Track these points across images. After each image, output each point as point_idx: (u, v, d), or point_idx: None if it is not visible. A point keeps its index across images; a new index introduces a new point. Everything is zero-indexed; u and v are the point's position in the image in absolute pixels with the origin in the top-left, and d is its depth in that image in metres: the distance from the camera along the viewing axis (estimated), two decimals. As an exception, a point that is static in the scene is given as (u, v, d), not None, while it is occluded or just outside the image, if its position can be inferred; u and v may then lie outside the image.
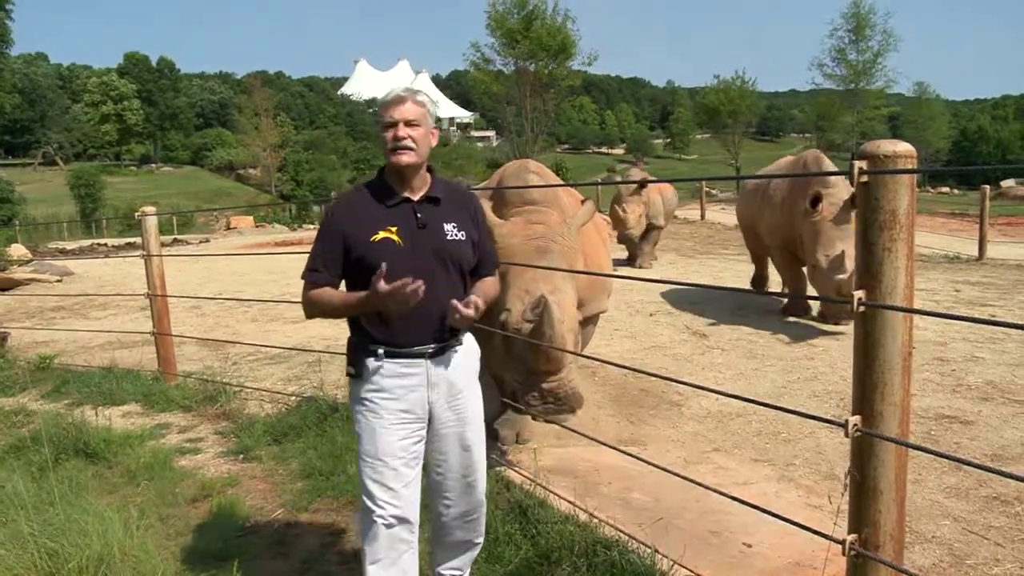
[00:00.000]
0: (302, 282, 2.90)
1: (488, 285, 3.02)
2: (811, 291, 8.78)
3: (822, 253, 8.01)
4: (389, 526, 2.76)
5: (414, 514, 2.83)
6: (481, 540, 3.19)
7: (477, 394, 3.00)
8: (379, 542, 2.76)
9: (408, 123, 2.74)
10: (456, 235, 2.85)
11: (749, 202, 10.37)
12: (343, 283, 2.89)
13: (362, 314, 2.77)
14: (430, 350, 2.80)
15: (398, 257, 2.71)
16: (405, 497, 2.79)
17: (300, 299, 2.92)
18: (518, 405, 4.32)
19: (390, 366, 2.78)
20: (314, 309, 2.86)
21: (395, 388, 2.78)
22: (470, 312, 2.70)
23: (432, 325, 2.79)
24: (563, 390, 4.22)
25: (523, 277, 4.41)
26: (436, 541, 3.15)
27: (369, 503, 2.79)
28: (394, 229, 2.77)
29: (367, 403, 2.79)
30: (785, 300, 9.60)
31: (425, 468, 2.96)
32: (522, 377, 4.25)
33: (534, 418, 5.26)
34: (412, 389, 2.79)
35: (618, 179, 15.13)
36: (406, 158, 2.75)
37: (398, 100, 2.76)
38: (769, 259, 10.44)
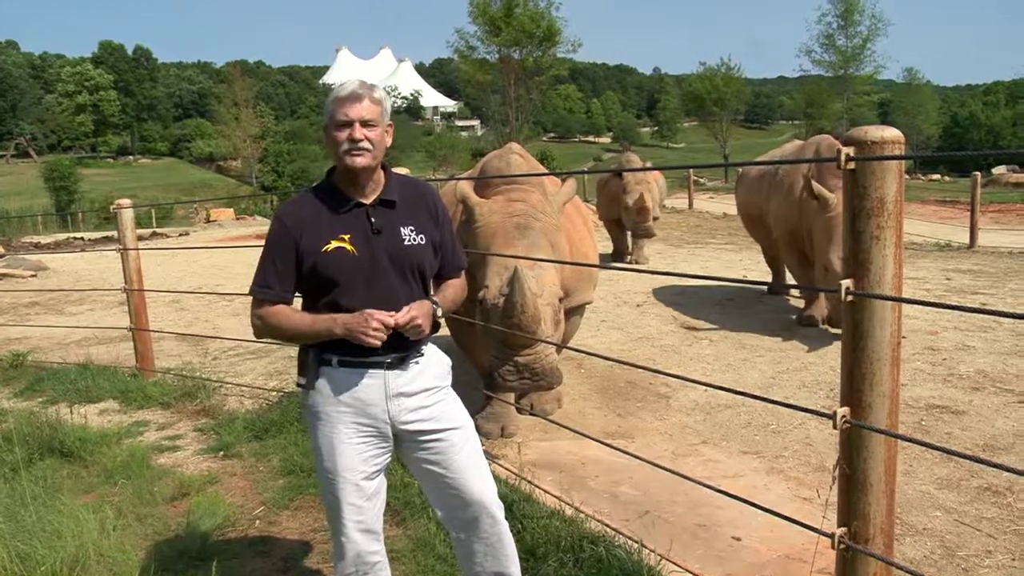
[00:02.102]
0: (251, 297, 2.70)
1: (451, 289, 2.87)
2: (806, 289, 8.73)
3: (835, 255, 6.98)
4: (355, 542, 2.69)
5: (378, 524, 2.76)
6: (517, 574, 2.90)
7: (452, 402, 2.81)
8: (347, 559, 2.71)
9: (364, 123, 2.56)
10: (414, 239, 2.67)
11: (754, 190, 9.48)
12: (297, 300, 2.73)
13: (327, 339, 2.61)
14: (388, 360, 2.63)
15: (352, 267, 2.59)
16: (367, 510, 2.70)
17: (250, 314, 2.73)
18: (497, 384, 4.32)
19: (344, 377, 2.63)
20: (268, 330, 2.68)
21: (351, 400, 2.63)
22: (401, 322, 2.55)
23: (391, 335, 2.57)
24: (539, 364, 4.24)
25: (505, 252, 4.50)
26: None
27: (332, 519, 2.73)
28: (346, 237, 2.60)
29: (322, 416, 2.65)
30: (802, 310, 8.67)
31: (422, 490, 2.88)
32: (498, 352, 4.27)
33: (519, 411, 5.28)
34: (369, 402, 2.63)
35: (612, 166, 14.20)
36: (361, 160, 2.56)
37: (354, 98, 2.56)
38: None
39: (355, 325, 2.51)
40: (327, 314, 2.59)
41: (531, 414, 5.50)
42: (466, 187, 4.85)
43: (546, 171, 5.74)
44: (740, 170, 11.87)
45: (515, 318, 4.15)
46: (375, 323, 2.50)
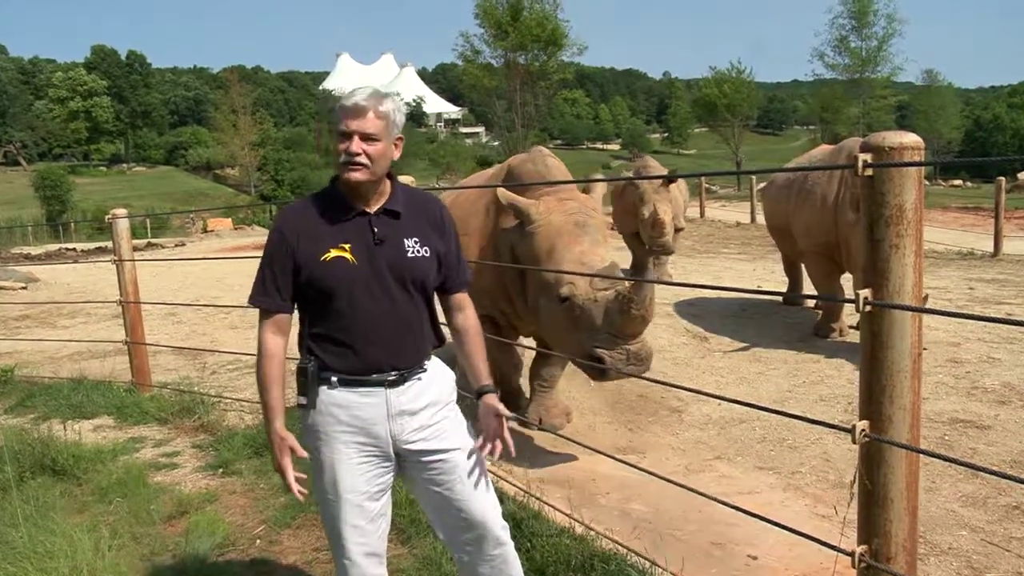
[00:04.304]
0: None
1: (477, 339, 2.87)
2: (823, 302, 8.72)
3: None
4: (358, 566, 2.70)
5: (382, 546, 2.77)
6: None
7: (456, 421, 2.80)
8: None
9: (365, 137, 2.55)
10: (418, 251, 2.67)
11: (780, 200, 9.23)
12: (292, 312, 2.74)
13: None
14: (390, 378, 2.64)
15: (351, 277, 2.59)
16: (371, 532, 2.71)
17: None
18: (610, 373, 4.64)
19: (344, 395, 2.64)
20: (257, 356, 2.69)
21: (351, 419, 2.64)
22: (504, 429, 2.75)
23: (391, 350, 2.65)
24: (645, 350, 4.68)
25: (573, 250, 4.84)
26: None
27: (334, 541, 2.74)
28: (347, 246, 2.60)
29: (322, 436, 2.66)
30: (819, 321, 8.66)
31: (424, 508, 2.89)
32: (608, 343, 4.58)
33: (527, 425, 5.32)
34: (371, 421, 2.64)
35: (628, 174, 13.11)
36: (356, 176, 2.56)
37: (357, 111, 2.55)
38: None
39: (276, 448, 2.65)
40: (278, 418, 2.65)
41: (540, 429, 5.52)
42: (509, 192, 5.07)
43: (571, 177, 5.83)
44: (769, 178, 11.58)
45: (642, 310, 4.53)
46: (280, 467, 2.65)
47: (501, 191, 5.06)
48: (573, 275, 4.63)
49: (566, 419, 5.84)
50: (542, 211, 4.99)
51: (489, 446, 2.74)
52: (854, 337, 7.87)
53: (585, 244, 4.86)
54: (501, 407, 2.77)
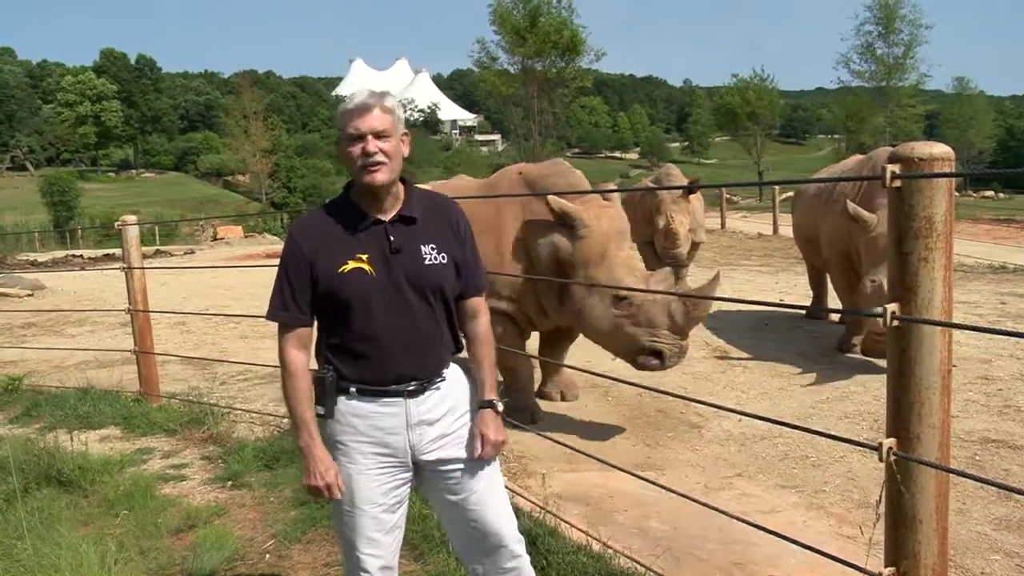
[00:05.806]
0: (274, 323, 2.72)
1: (486, 347, 2.86)
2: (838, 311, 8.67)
3: (868, 277, 7.18)
4: None
5: (395, 560, 2.78)
6: None
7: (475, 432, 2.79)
8: None
9: (378, 135, 2.56)
10: (436, 259, 2.67)
11: (810, 210, 9.26)
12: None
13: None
14: (409, 388, 2.66)
15: (370, 288, 2.60)
16: (387, 545, 2.72)
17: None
18: (667, 365, 5.51)
19: (363, 406, 2.66)
20: (281, 373, 2.71)
21: (370, 430, 2.66)
22: (489, 452, 2.72)
23: (411, 360, 2.66)
24: (687, 344, 5.54)
25: (620, 255, 5.62)
26: None
27: (348, 554, 2.75)
28: (364, 257, 2.61)
29: (339, 446, 2.68)
30: (843, 336, 8.62)
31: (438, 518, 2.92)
32: (668, 340, 5.41)
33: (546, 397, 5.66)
34: (390, 431, 2.66)
35: (650, 183, 12.75)
36: (380, 176, 2.56)
37: (364, 108, 2.56)
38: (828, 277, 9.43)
39: (312, 467, 2.62)
40: (316, 438, 2.64)
41: (555, 442, 5.56)
42: (559, 199, 5.64)
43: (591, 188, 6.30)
44: (798, 189, 11.42)
45: (704, 313, 5.56)
46: (323, 483, 2.61)
47: (552, 198, 5.60)
48: (632, 281, 5.42)
49: (578, 390, 6.98)
50: (591, 216, 5.67)
51: (486, 446, 2.72)
52: (880, 353, 7.82)
53: (627, 249, 5.70)
54: (498, 429, 2.75)
